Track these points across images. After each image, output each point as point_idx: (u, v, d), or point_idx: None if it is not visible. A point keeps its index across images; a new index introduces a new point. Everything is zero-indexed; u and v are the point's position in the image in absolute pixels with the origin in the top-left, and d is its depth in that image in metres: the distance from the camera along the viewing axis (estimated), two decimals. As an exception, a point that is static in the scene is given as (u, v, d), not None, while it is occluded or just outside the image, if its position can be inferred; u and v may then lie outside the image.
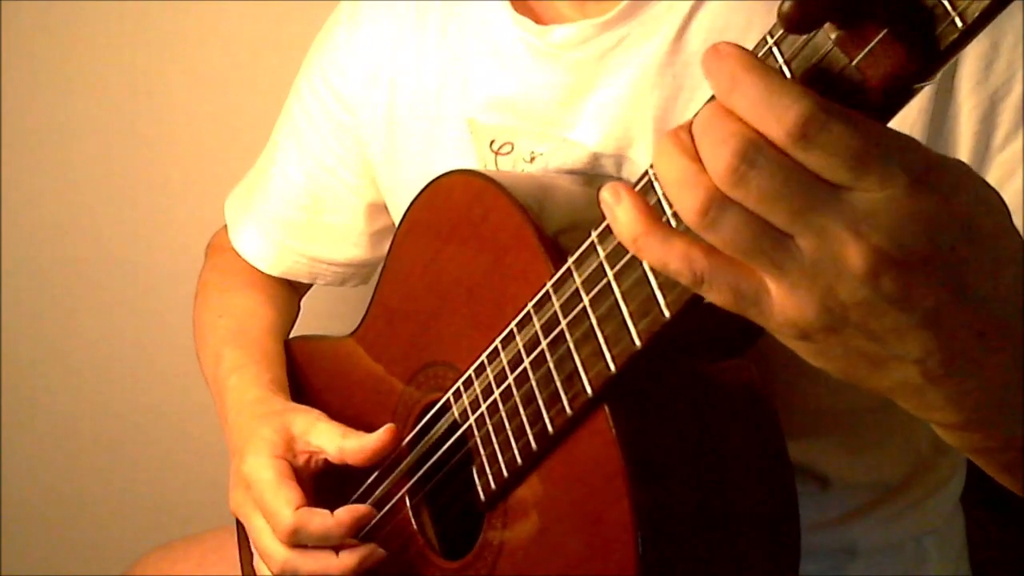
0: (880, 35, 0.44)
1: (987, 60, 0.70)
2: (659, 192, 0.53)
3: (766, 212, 0.45)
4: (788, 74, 0.48)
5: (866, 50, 0.45)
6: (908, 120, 0.71)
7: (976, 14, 0.42)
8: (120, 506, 1.61)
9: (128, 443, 1.59)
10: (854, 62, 0.45)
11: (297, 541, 0.82)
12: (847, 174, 0.44)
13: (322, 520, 0.81)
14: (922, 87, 0.45)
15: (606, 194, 0.51)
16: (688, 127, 0.48)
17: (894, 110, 0.46)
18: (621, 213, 0.50)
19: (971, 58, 0.70)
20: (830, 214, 0.45)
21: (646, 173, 0.55)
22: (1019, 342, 0.49)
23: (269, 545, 0.84)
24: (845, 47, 0.46)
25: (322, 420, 0.87)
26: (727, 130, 0.45)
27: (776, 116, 0.44)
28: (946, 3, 0.43)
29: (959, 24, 0.43)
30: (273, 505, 0.83)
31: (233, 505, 0.89)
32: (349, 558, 0.82)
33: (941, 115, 0.71)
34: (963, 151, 0.72)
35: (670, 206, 0.53)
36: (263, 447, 0.86)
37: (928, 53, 0.44)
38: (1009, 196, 0.70)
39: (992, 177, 0.71)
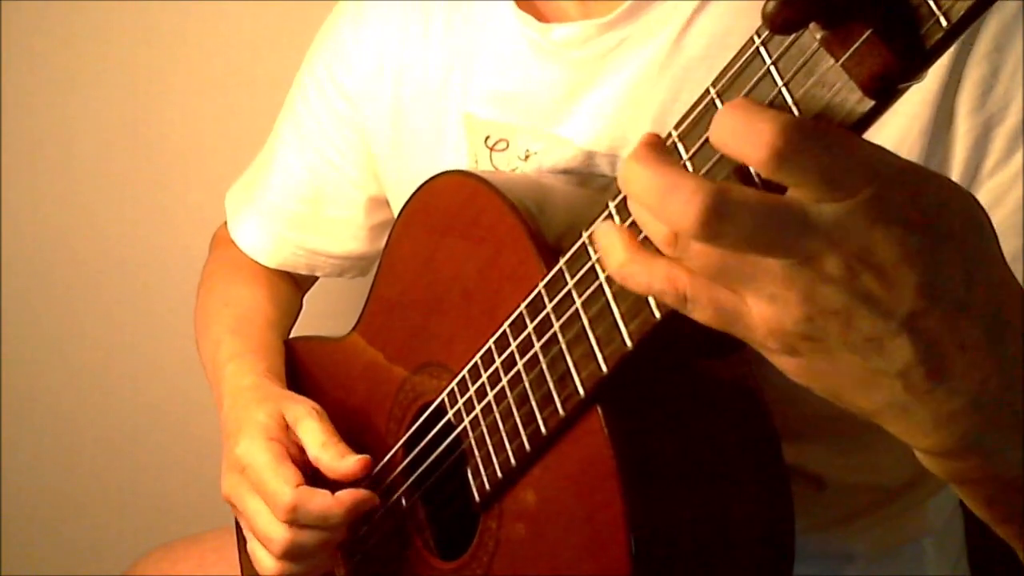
0: (865, 35, 0.44)
1: (986, 86, 0.69)
2: None
3: (742, 250, 0.46)
4: (776, 75, 0.48)
5: (851, 50, 0.45)
6: (908, 141, 0.71)
7: (960, 14, 0.42)
8: (120, 506, 1.61)
9: (128, 443, 1.59)
10: (839, 62, 0.45)
11: (296, 519, 0.82)
12: (819, 187, 0.45)
13: (323, 499, 0.81)
14: (908, 87, 0.45)
15: (596, 232, 0.52)
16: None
17: (880, 110, 0.46)
18: (604, 241, 0.51)
19: (970, 83, 0.70)
20: (804, 236, 0.45)
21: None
22: (1003, 357, 0.48)
23: (267, 526, 0.84)
24: (830, 47, 0.46)
25: (311, 416, 0.87)
26: (687, 188, 0.45)
27: (753, 142, 0.44)
28: (931, 3, 0.43)
29: (943, 23, 0.43)
30: (271, 484, 0.83)
31: (226, 489, 0.88)
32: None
33: (939, 137, 0.71)
34: (955, 174, 0.72)
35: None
36: (257, 430, 0.87)
37: (913, 53, 0.44)
38: (996, 222, 0.69)
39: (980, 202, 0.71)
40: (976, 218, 0.48)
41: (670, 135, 0.53)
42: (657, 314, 0.56)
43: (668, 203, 0.45)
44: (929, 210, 0.46)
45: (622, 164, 0.49)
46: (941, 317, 0.46)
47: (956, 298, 0.46)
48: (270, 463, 0.84)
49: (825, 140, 0.44)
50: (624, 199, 0.56)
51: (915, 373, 0.47)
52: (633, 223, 0.54)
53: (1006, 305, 0.48)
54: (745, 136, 0.44)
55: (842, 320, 0.46)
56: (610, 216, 0.57)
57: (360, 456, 0.83)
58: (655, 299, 0.56)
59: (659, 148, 0.49)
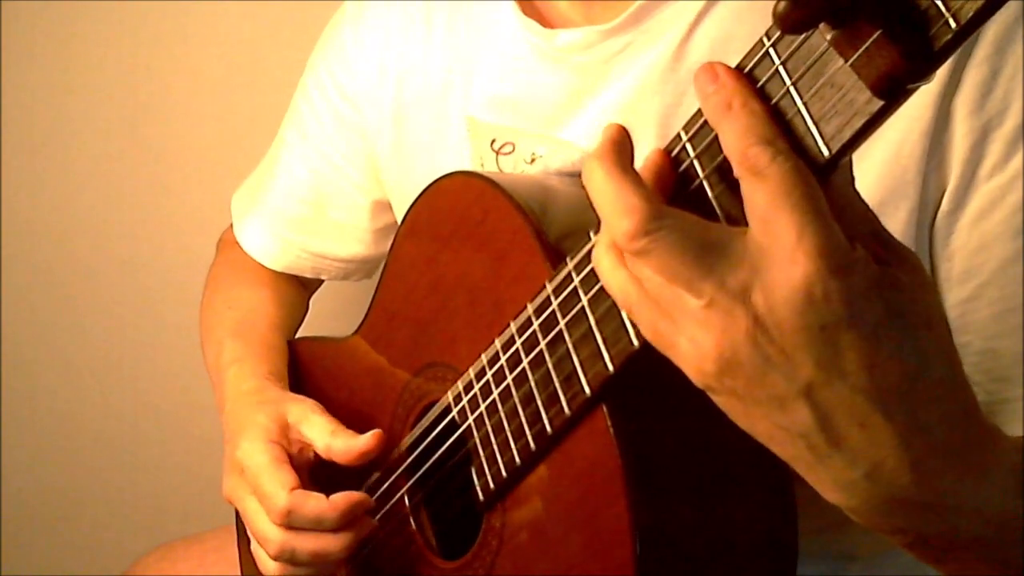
0: (874, 36, 0.45)
1: (985, 89, 0.70)
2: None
3: (663, 277, 0.50)
4: (784, 75, 0.48)
5: (861, 50, 0.45)
6: (908, 143, 0.72)
7: (970, 15, 0.42)
8: (120, 506, 1.61)
9: (128, 443, 1.59)
10: (849, 62, 0.46)
11: (291, 523, 0.82)
12: (759, 223, 0.48)
13: (316, 503, 0.81)
14: (917, 87, 0.46)
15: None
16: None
17: (889, 111, 0.46)
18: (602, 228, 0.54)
19: (969, 85, 0.70)
20: (723, 270, 0.48)
21: None
22: (905, 444, 0.50)
23: (264, 527, 0.84)
24: (840, 47, 0.46)
25: (316, 412, 0.87)
26: (629, 203, 0.50)
27: (739, 144, 0.48)
28: (940, 4, 0.43)
29: (953, 25, 0.43)
30: (268, 487, 0.83)
31: (227, 490, 0.89)
32: (347, 536, 0.82)
33: (939, 139, 0.71)
34: (952, 176, 0.72)
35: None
36: (258, 433, 0.87)
37: (922, 54, 0.44)
38: (992, 225, 0.71)
39: (976, 205, 0.72)
40: (898, 309, 0.49)
41: (679, 136, 0.54)
42: (664, 314, 0.56)
43: (612, 211, 0.50)
44: (847, 292, 0.48)
45: (587, 159, 0.52)
46: (837, 393, 0.49)
47: (854, 380, 0.49)
48: (267, 465, 0.84)
49: (793, 177, 0.47)
50: None
51: (815, 437, 0.50)
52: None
53: (916, 396, 0.50)
54: (747, 150, 0.48)
55: (747, 375, 0.49)
56: None
57: (371, 432, 0.84)
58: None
59: (622, 149, 0.53)
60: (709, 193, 0.53)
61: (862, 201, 0.52)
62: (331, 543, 0.82)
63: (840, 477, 0.51)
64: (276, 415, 0.89)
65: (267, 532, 0.84)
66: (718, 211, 0.52)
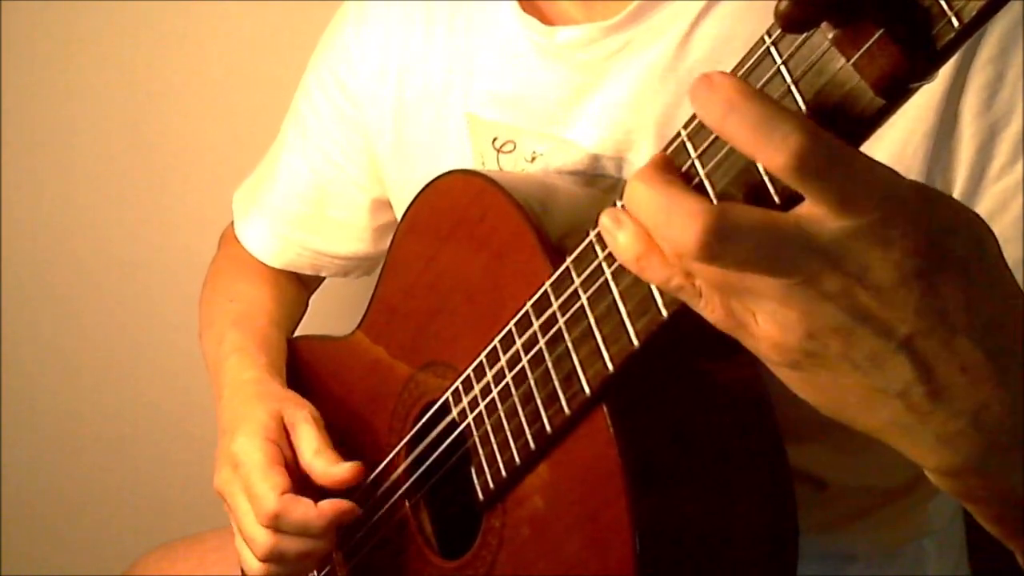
0: (877, 35, 0.45)
1: (991, 90, 0.70)
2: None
3: (743, 271, 0.47)
4: (786, 74, 0.48)
5: (863, 49, 0.45)
6: (912, 144, 0.72)
7: (972, 14, 0.42)
8: (120, 506, 1.61)
9: (128, 443, 1.59)
10: (851, 61, 0.46)
11: (278, 527, 0.83)
12: (826, 206, 0.45)
13: (305, 509, 0.82)
14: (919, 86, 0.46)
15: (606, 220, 0.52)
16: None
17: (891, 110, 0.46)
18: (623, 237, 0.51)
19: (975, 87, 0.70)
20: (804, 257, 0.46)
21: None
22: (1005, 382, 0.48)
23: (251, 528, 0.84)
24: (842, 46, 0.46)
25: (308, 422, 0.88)
26: (689, 208, 0.46)
27: (776, 144, 0.44)
28: (943, 3, 0.43)
29: (955, 24, 0.43)
30: (259, 488, 0.83)
31: (218, 483, 0.89)
32: (332, 541, 0.84)
33: (945, 140, 0.71)
34: (960, 178, 0.72)
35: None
36: (256, 429, 0.87)
37: (924, 52, 0.44)
38: (1001, 228, 0.71)
39: (984, 207, 0.72)
40: (981, 244, 0.48)
41: (679, 134, 0.54)
42: (664, 313, 0.56)
43: (669, 224, 0.46)
44: (931, 235, 0.46)
45: (628, 182, 0.49)
46: (940, 340, 0.47)
47: (955, 322, 0.47)
48: (261, 465, 0.84)
49: (847, 158, 0.44)
50: None
51: (915, 393, 0.48)
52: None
53: (1007, 329, 0.48)
54: (767, 136, 0.44)
55: (842, 338, 0.47)
56: None
57: (351, 463, 0.84)
58: (667, 294, 0.56)
59: (665, 168, 0.50)
60: (710, 192, 0.52)
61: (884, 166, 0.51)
62: (320, 545, 0.84)
63: (943, 431, 0.49)
64: (275, 412, 0.89)
65: (254, 533, 0.84)
66: None
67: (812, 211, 0.45)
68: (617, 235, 0.51)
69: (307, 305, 1.16)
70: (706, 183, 0.52)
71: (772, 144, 0.44)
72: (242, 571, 1.01)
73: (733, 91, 0.46)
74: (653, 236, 0.48)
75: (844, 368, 0.48)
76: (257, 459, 0.85)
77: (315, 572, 0.94)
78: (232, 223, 1.15)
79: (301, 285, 1.15)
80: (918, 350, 0.47)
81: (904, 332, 0.47)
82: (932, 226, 0.46)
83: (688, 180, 0.53)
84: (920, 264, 0.46)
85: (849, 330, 0.47)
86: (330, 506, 0.82)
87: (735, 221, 0.45)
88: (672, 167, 0.52)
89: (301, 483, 0.85)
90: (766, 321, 0.48)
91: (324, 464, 0.85)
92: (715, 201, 0.52)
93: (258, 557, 0.85)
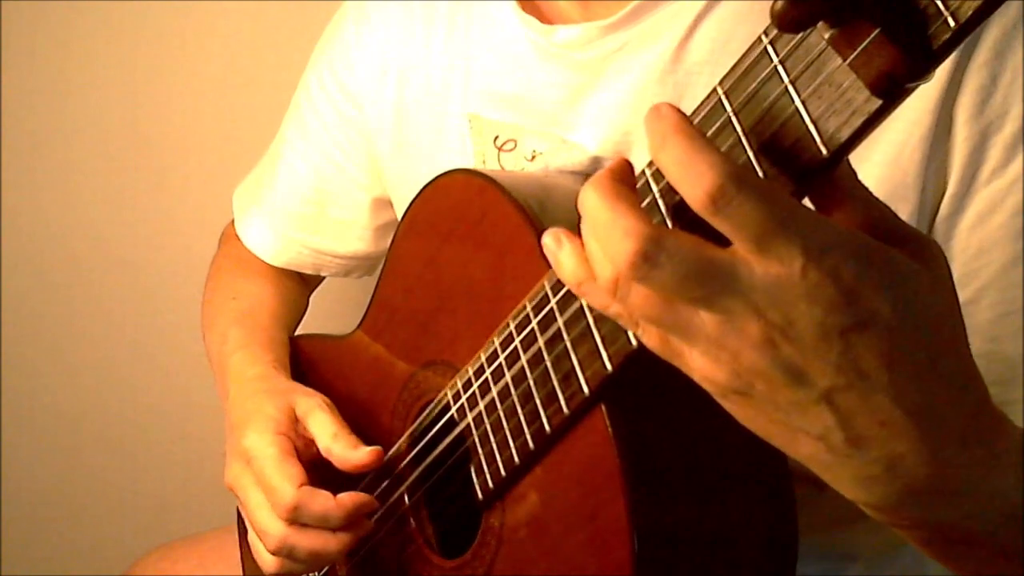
0: (873, 34, 0.45)
1: (985, 94, 0.70)
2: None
3: (670, 298, 0.48)
4: (783, 73, 0.48)
5: (859, 49, 0.45)
6: (908, 147, 0.72)
7: (968, 14, 0.42)
8: (120, 506, 1.61)
9: (128, 443, 1.59)
10: (847, 61, 0.46)
11: (296, 518, 0.82)
12: (750, 246, 0.46)
13: (324, 501, 0.81)
14: (915, 86, 0.46)
15: (548, 240, 0.54)
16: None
17: (887, 110, 0.46)
18: (564, 258, 0.53)
19: (969, 90, 0.70)
20: (730, 295, 0.47)
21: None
22: (924, 438, 0.49)
23: (266, 520, 0.84)
24: (838, 46, 0.46)
25: (322, 408, 0.87)
26: (625, 226, 0.47)
27: (691, 180, 0.46)
28: (939, 3, 0.43)
29: (952, 24, 0.43)
30: (275, 480, 0.83)
31: (229, 478, 0.88)
32: (346, 535, 0.82)
33: (940, 143, 0.72)
34: (952, 180, 0.72)
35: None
36: (266, 424, 0.87)
37: (921, 52, 0.44)
38: (991, 230, 0.72)
39: (975, 209, 0.72)
40: (914, 303, 0.48)
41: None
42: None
43: (608, 238, 0.48)
44: (857, 292, 0.47)
45: (585, 185, 0.50)
46: (859, 395, 0.48)
47: (875, 380, 0.48)
48: (276, 458, 0.84)
49: (766, 199, 0.45)
50: None
51: (834, 438, 0.50)
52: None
53: (934, 387, 0.49)
54: (687, 170, 0.46)
55: (766, 382, 0.49)
56: None
57: (372, 448, 0.83)
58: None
59: (621, 178, 0.51)
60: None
61: (865, 189, 0.52)
62: (331, 542, 0.82)
63: (860, 474, 0.51)
64: (285, 406, 0.88)
65: (269, 526, 0.83)
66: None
67: (740, 253, 0.47)
68: (559, 256, 0.53)
69: (307, 304, 1.16)
70: (659, 202, 0.53)
71: (689, 179, 0.46)
72: (243, 566, 1.01)
73: (668, 124, 0.47)
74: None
75: (768, 407, 0.50)
76: (271, 452, 0.84)
77: (315, 572, 0.94)
78: (232, 221, 1.15)
79: (302, 283, 1.15)
80: (837, 402, 0.48)
81: (824, 385, 0.48)
82: (861, 285, 0.47)
83: (643, 196, 0.54)
84: (842, 322, 0.47)
85: (772, 376, 0.48)
86: (350, 498, 0.82)
87: (667, 245, 0.46)
88: (629, 176, 0.53)
89: (315, 475, 0.85)
90: (698, 356, 0.50)
91: (342, 448, 0.84)
92: (669, 224, 0.52)
93: (271, 550, 0.84)
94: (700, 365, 0.50)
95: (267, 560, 0.86)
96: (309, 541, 0.82)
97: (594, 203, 0.49)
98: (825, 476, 0.53)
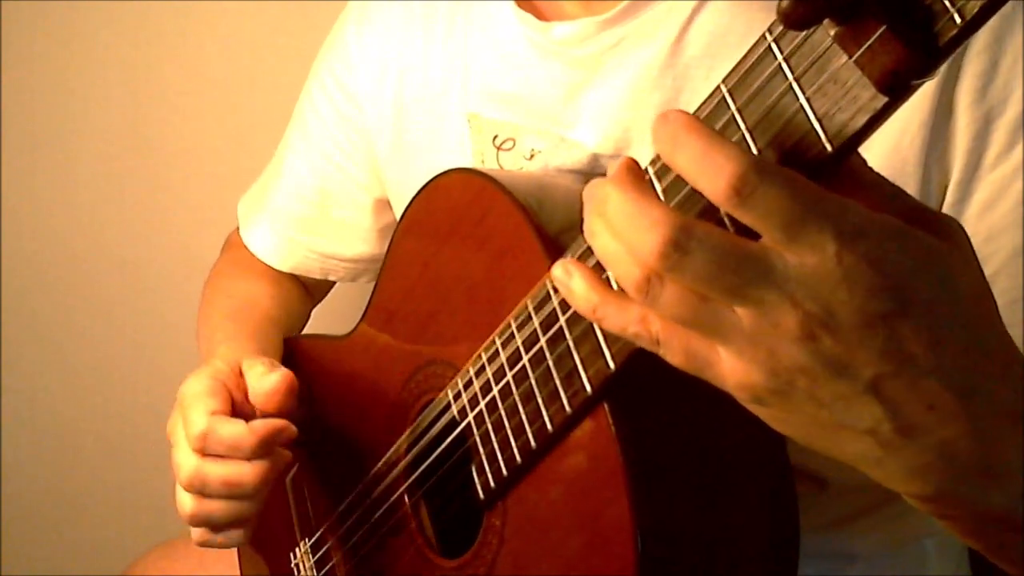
0: (879, 32, 0.44)
1: (986, 79, 0.70)
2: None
3: (703, 290, 0.47)
4: (787, 71, 0.48)
5: (865, 46, 0.45)
6: (908, 134, 0.72)
7: (975, 10, 0.42)
8: (120, 506, 1.61)
9: (128, 443, 1.59)
10: (853, 58, 0.45)
11: (206, 448, 0.80)
12: (779, 235, 0.45)
13: (233, 427, 0.79)
14: (921, 83, 0.46)
15: (558, 272, 0.53)
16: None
17: (893, 107, 0.46)
18: (576, 286, 0.52)
19: (970, 76, 0.70)
20: (765, 285, 0.46)
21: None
22: (974, 417, 0.48)
23: (181, 457, 0.81)
24: (844, 43, 0.46)
25: (261, 362, 0.85)
26: (652, 216, 0.46)
27: (712, 174, 0.45)
28: (945, 0, 0.43)
29: (958, 20, 0.43)
30: (190, 413, 0.81)
31: (168, 429, 0.86)
32: (262, 464, 0.80)
33: (940, 129, 0.71)
34: (956, 167, 0.72)
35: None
36: (206, 371, 0.85)
37: (927, 49, 0.44)
38: (999, 216, 0.71)
39: (981, 196, 0.72)
40: (951, 282, 0.48)
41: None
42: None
43: (635, 228, 0.47)
44: (896, 276, 0.46)
45: (599, 185, 0.49)
46: (906, 381, 0.47)
47: (922, 363, 0.47)
48: (198, 394, 0.82)
49: (790, 186, 0.45)
50: None
51: (884, 430, 0.48)
52: (598, 264, 0.56)
53: (979, 366, 0.48)
54: (706, 166, 0.45)
55: (808, 378, 0.47)
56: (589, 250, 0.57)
57: (280, 371, 0.82)
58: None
59: (637, 174, 0.51)
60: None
61: (879, 176, 0.51)
62: (245, 470, 0.80)
63: (912, 464, 0.49)
64: (231, 359, 0.87)
65: (182, 460, 0.81)
66: None
67: (770, 244, 0.46)
68: (571, 285, 0.52)
69: (308, 316, 1.15)
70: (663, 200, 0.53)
71: (709, 174, 0.45)
72: (240, 566, 1.01)
73: (678, 125, 0.46)
74: (617, 241, 0.48)
75: (811, 406, 0.48)
76: (196, 390, 0.82)
77: (315, 571, 0.94)
78: (236, 230, 1.15)
79: (305, 293, 1.15)
80: (885, 391, 0.47)
81: (870, 374, 0.47)
82: (897, 266, 0.46)
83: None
84: (884, 307, 0.46)
85: (814, 371, 0.47)
86: (262, 423, 0.79)
87: (696, 232, 0.46)
88: (641, 173, 0.52)
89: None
90: (730, 358, 0.48)
91: (255, 376, 0.82)
92: None
93: (182, 485, 0.81)
94: (734, 369, 0.48)
95: (183, 502, 0.83)
96: (220, 470, 0.80)
97: (617, 199, 0.48)
98: (875, 473, 0.51)
